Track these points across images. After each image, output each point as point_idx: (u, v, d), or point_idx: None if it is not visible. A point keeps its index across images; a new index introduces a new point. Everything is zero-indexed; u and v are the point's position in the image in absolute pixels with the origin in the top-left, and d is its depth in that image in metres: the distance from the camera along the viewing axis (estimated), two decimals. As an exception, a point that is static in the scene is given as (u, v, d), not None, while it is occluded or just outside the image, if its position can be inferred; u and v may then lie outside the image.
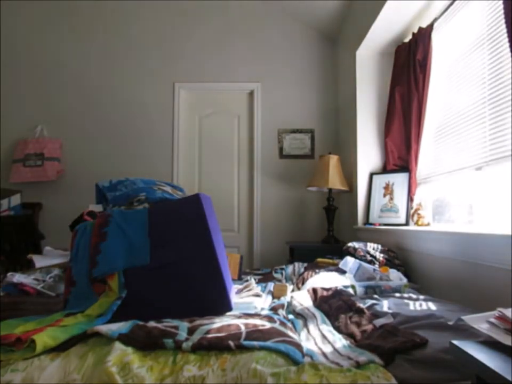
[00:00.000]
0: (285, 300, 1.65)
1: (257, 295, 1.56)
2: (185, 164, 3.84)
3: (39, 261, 2.10)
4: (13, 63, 3.82)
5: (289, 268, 2.44)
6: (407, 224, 2.64)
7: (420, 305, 1.41)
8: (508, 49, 1.52)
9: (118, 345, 0.95)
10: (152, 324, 1.09)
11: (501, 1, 1.60)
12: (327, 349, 1.10)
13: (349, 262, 2.02)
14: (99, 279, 1.30)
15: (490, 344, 0.80)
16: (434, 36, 2.44)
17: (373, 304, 1.41)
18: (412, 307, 1.38)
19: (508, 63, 1.72)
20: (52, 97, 3.81)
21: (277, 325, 1.12)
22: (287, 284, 1.88)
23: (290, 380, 0.83)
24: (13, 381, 0.88)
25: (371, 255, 2.24)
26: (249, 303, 1.48)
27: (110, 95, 3.83)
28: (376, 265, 2.13)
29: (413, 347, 0.98)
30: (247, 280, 2.03)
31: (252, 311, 1.38)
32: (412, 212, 2.59)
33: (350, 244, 2.39)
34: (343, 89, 3.58)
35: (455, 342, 0.82)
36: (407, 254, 2.34)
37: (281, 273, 2.39)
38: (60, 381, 0.88)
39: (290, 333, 1.08)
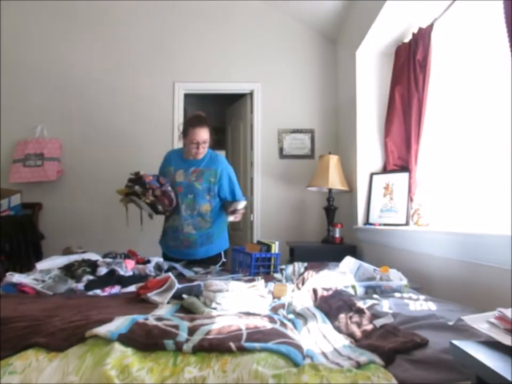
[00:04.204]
0: (285, 299, 1.65)
1: (262, 296, 1.56)
2: (185, 164, 3.84)
3: (41, 265, 2.08)
4: (13, 63, 3.81)
5: (289, 268, 2.43)
6: (407, 224, 2.64)
7: (420, 305, 1.41)
8: (508, 49, 1.52)
9: (118, 346, 0.94)
10: (152, 322, 1.08)
11: (501, 1, 1.60)
12: (328, 349, 1.10)
13: (349, 262, 2.01)
14: None
15: (490, 344, 0.79)
16: (434, 36, 2.44)
17: (373, 304, 1.41)
18: (412, 307, 1.38)
19: (507, 63, 1.72)
20: (52, 97, 3.81)
21: (277, 326, 1.12)
22: (287, 284, 1.87)
23: (291, 381, 0.83)
24: None
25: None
26: (252, 301, 1.48)
27: (110, 95, 3.82)
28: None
29: (414, 347, 0.98)
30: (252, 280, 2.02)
31: (252, 311, 1.38)
32: (411, 212, 2.59)
33: None
34: (343, 89, 3.58)
35: (455, 342, 0.81)
36: (407, 254, 2.33)
37: (281, 273, 2.39)
38: (58, 382, 0.87)
39: (291, 334, 1.08)
